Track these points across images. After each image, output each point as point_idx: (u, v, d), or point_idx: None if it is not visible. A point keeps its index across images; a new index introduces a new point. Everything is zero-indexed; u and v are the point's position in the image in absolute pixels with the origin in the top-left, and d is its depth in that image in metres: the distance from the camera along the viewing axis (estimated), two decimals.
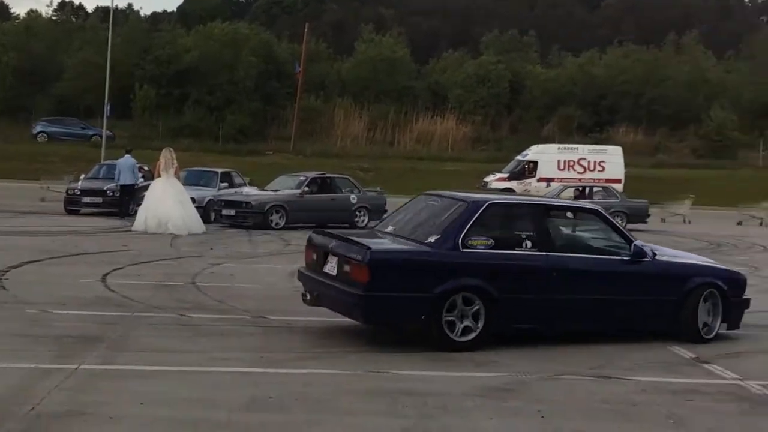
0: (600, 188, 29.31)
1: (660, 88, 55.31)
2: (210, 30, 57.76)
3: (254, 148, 49.80)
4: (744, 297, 9.84)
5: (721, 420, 6.78)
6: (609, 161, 38.30)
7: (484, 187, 38.91)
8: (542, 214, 9.35)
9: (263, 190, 23.77)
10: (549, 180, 36.40)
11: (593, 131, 53.55)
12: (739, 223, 30.91)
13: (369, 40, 60.07)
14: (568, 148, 40.00)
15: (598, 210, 10.00)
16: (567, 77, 58.15)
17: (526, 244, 8.91)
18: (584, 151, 39.29)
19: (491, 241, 8.75)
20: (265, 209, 22.03)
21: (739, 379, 7.99)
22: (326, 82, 58.40)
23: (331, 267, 8.85)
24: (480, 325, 8.50)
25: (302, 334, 9.26)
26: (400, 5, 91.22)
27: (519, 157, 39.97)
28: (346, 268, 8.55)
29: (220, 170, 25.29)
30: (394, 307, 8.46)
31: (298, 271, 9.76)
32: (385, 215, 15.60)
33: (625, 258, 9.34)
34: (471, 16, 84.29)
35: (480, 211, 8.85)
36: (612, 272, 9.26)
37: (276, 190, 23.26)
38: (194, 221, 20.11)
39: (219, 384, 7.11)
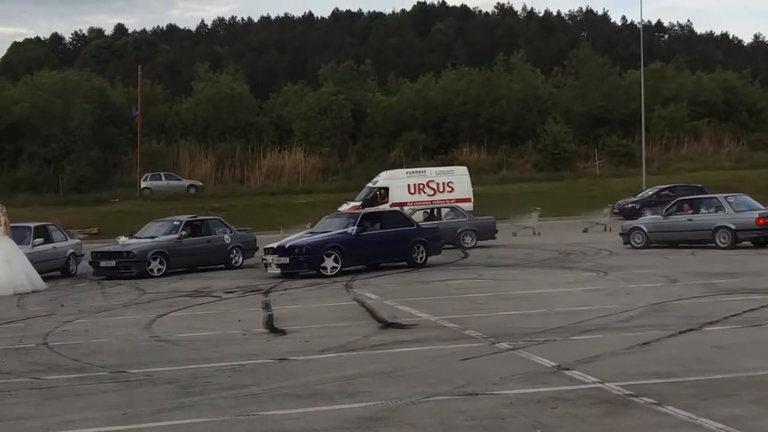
0: (448, 209, 29.92)
1: (495, 107, 57.13)
2: (38, 79, 55.75)
3: (98, 197, 48.35)
4: None
5: (584, 424, 6.99)
6: (457, 181, 39.03)
7: None
8: None
9: (134, 238, 23.11)
10: (402, 204, 36.83)
11: (438, 153, 54.72)
12: (585, 231, 32.21)
13: (206, 78, 59.45)
14: (417, 171, 40.59)
15: None
16: (407, 103, 59.23)
17: None
18: (432, 173, 39.92)
19: None
20: (147, 257, 21.50)
21: (599, 382, 8.26)
22: (166, 123, 57.36)
23: None
24: None
25: (166, 384, 8.98)
26: (235, 42, 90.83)
27: (370, 185, 40.28)
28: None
29: (33, 225, 22.69)
30: None
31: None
32: None
33: None
34: (306, 49, 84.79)
35: None
36: None
37: (153, 237, 22.66)
38: (25, 279, 19.14)
39: None
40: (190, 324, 13.39)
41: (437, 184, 38.89)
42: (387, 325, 12.35)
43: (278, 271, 20.02)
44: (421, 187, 38.75)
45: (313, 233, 21.34)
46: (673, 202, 25.58)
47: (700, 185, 39.39)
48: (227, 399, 8.19)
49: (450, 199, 36.77)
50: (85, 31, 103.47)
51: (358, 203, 38.94)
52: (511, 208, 36.59)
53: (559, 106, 59.10)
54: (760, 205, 23.90)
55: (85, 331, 12.91)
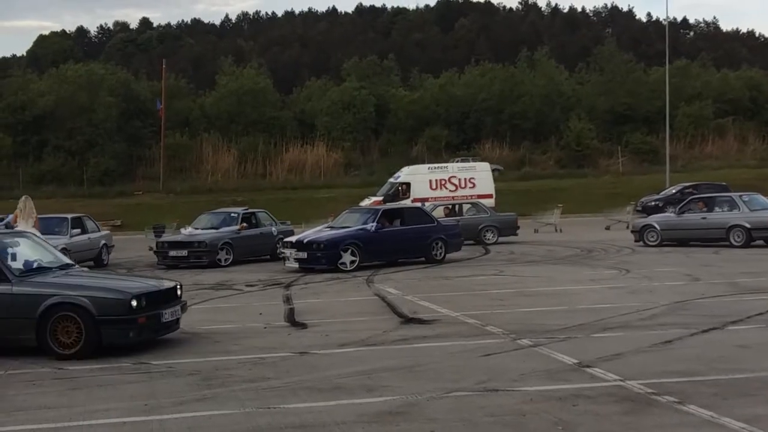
0: (470, 204, 29.86)
1: (519, 104, 56.95)
2: (63, 72, 56.15)
3: (122, 190, 48.68)
4: None
5: (605, 421, 6.96)
6: (479, 177, 38.92)
7: None
8: None
9: (194, 229, 23.47)
10: (423, 200, 36.73)
11: (461, 149, 54.60)
12: (607, 228, 32.03)
13: (230, 73, 59.67)
14: (439, 167, 40.50)
15: None
16: (430, 98, 59.17)
17: None
18: (454, 169, 39.83)
19: None
20: (218, 247, 21.94)
21: (621, 380, 8.22)
22: (190, 117, 57.65)
23: None
24: None
25: (188, 376, 9.03)
26: (259, 37, 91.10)
27: (392, 180, 40.24)
28: None
29: (70, 216, 23.20)
30: None
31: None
32: None
33: None
34: (329, 44, 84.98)
35: None
36: None
37: (216, 228, 22.94)
38: None
39: None
40: (212, 317, 13.45)
41: (459, 179, 38.81)
42: (408, 320, 12.34)
43: (296, 265, 20.09)
44: (443, 182, 38.68)
45: (332, 228, 21.38)
46: (686, 200, 25.41)
47: (724, 183, 39.06)
48: (248, 391, 8.22)
49: (472, 195, 36.68)
50: (110, 25, 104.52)
51: (380, 198, 38.94)
52: (533, 205, 36.47)
53: (583, 102, 58.85)
54: None
55: None
